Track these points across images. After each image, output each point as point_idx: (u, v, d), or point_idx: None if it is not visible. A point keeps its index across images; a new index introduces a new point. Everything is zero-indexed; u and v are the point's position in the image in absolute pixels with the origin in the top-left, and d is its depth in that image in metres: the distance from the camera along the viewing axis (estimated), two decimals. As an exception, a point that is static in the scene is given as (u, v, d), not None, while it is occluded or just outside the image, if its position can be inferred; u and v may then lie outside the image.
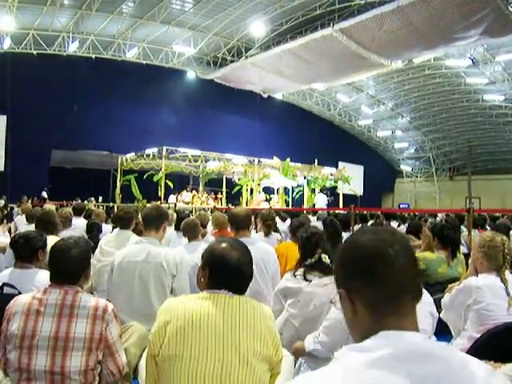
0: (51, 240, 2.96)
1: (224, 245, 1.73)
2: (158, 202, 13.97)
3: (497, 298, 2.37)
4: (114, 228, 5.49)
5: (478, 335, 2.29)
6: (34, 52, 16.80)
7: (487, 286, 2.41)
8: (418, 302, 0.91)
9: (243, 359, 1.53)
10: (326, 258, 2.65)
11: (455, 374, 0.79)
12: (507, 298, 2.36)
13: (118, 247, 3.69)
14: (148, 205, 11.94)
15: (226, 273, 1.67)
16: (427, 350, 0.81)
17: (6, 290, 2.39)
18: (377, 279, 0.87)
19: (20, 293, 2.24)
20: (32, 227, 4.07)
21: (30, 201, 13.20)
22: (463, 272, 3.59)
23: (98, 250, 3.83)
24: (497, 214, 9.44)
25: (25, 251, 2.63)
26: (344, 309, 0.94)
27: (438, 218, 9.50)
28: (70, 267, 2.02)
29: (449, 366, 0.80)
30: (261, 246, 3.35)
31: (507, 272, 2.50)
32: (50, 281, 2.05)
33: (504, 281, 2.42)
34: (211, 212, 9.95)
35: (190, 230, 4.17)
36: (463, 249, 4.88)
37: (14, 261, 2.69)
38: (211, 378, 1.49)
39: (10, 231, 5.64)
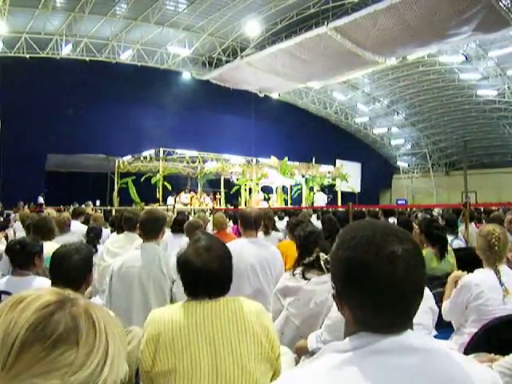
0: (48, 246, 2.96)
1: (189, 251, 1.67)
2: (157, 204, 13.97)
3: (493, 291, 2.40)
4: (112, 232, 5.50)
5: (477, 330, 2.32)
6: (27, 56, 16.68)
7: (484, 281, 2.44)
8: (414, 314, 0.88)
9: (238, 363, 1.50)
10: (323, 257, 2.66)
11: (435, 366, 0.80)
12: (502, 289, 2.39)
13: (123, 247, 3.70)
14: (146, 207, 11.93)
15: (198, 281, 1.62)
16: (405, 343, 0.82)
17: (4, 298, 2.39)
18: (364, 290, 0.84)
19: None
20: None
21: (26, 206, 13.14)
22: (454, 263, 3.62)
23: (103, 250, 3.83)
24: (493, 208, 9.50)
25: (21, 257, 2.62)
26: (337, 306, 0.94)
27: (434, 213, 9.55)
28: (71, 274, 2.02)
29: (428, 358, 0.81)
30: (267, 247, 3.38)
31: (504, 265, 2.53)
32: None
33: (497, 271, 2.45)
34: (210, 213, 9.97)
35: (193, 230, 4.18)
36: (460, 243, 4.91)
37: (11, 268, 2.68)
38: None
39: (6, 238, 5.61)
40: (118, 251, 3.66)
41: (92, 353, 0.59)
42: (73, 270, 2.02)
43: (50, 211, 8.27)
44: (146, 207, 12.32)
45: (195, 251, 1.66)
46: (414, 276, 0.84)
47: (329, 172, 19.29)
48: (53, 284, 2.06)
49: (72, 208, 10.02)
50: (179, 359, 1.49)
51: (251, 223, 3.33)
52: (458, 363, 0.84)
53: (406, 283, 0.83)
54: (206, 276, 1.61)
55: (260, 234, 4.96)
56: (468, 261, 2.69)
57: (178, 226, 5.29)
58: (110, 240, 3.97)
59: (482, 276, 2.48)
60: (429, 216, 6.81)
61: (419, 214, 6.96)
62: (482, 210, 8.98)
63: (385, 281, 0.82)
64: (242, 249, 3.19)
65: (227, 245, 3.44)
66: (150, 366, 1.52)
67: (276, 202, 16.43)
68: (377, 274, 0.82)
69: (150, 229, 2.94)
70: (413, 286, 0.84)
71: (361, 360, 0.80)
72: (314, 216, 8.59)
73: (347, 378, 0.78)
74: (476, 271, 2.54)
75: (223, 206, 15.87)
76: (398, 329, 0.84)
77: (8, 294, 2.39)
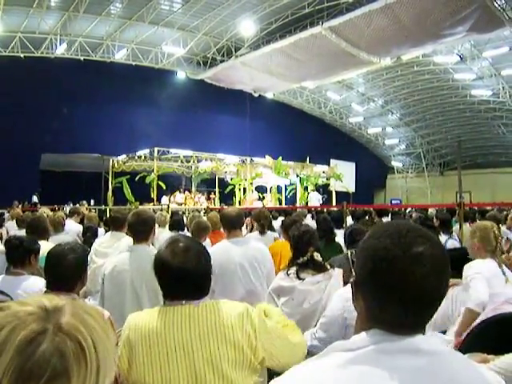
0: (43, 245, 2.95)
1: (166, 252, 1.61)
2: (151, 204, 13.94)
3: (497, 278, 2.47)
4: (106, 231, 5.49)
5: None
6: (22, 55, 16.59)
7: (488, 270, 2.51)
8: (429, 319, 0.87)
9: (218, 373, 1.45)
10: (318, 256, 2.67)
11: (443, 368, 0.80)
12: (504, 278, 2.47)
13: (111, 247, 3.69)
14: (141, 207, 11.90)
15: (175, 282, 1.57)
16: (413, 345, 0.82)
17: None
18: (383, 282, 0.84)
19: (12, 300, 2.22)
20: (23, 232, 4.05)
21: (20, 205, 13.07)
22: None
23: (92, 252, 3.81)
24: (488, 208, 9.56)
25: (18, 253, 2.62)
26: (353, 297, 0.94)
27: (431, 214, 9.59)
28: (67, 273, 2.01)
29: (437, 360, 0.81)
30: (254, 246, 3.33)
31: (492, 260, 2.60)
32: (47, 287, 2.03)
33: (499, 261, 2.54)
34: (204, 213, 9.96)
35: (200, 231, 4.16)
36: (455, 242, 4.93)
37: (6, 267, 2.67)
38: None
39: (0, 237, 5.58)
40: (107, 251, 3.65)
41: (86, 380, 0.57)
42: (68, 270, 2.01)
43: (45, 210, 8.23)
44: (140, 206, 12.29)
45: (172, 251, 1.59)
46: (436, 281, 0.83)
47: (323, 172, 19.33)
48: (48, 284, 2.06)
49: (67, 207, 10.00)
50: (156, 368, 1.45)
51: (233, 223, 3.30)
52: (468, 366, 0.85)
53: (427, 286, 0.83)
54: (184, 276, 1.55)
55: (256, 233, 4.97)
56: (462, 261, 2.71)
57: (177, 225, 5.31)
58: (98, 240, 3.95)
59: (485, 265, 2.55)
60: (423, 216, 6.85)
61: (413, 214, 6.99)
62: (477, 209, 9.03)
63: (406, 278, 0.82)
64: (229, 250, 3.15)
65: (213, 248, 3.42)
66: (127, 371, 1.48)
67: (270, 201, 16.43)
68: (400, 269, 0.82)
69: (140, 231, 2.89)
70: (433, 290, 0.84)
71: (366, 360, 0.80)
72: (309, 216, 8.61)
73: (350, 377, 0.78)
74: (476, 261, 2.59)
75: (217, 206, 15.85)
76: (411, 330, 0.84)
77: (3, 292, 2.37)
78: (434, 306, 0.87)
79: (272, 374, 2.40)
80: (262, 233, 4.92)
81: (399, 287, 0.82)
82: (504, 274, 2.49)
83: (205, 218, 5.32)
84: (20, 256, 2.62)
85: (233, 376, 1.46)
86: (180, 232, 5.11)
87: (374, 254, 0.86)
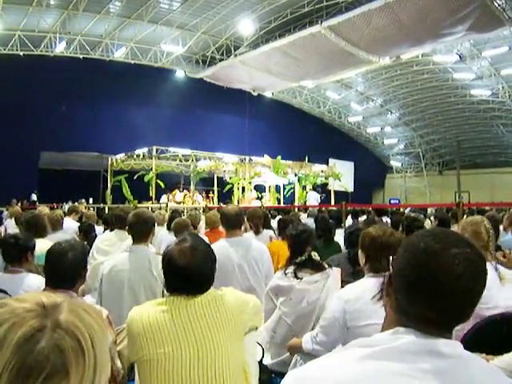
0: (40, 243, 2.95)
1: (174, 249, 1.73)
2: (150, 203, 13.94)
3: (493, 281, 2.36)
4: (104, 230, 5.48)
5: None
6: (21, 53, 16.56)
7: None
8: (458, 322, 0.88)
9: (219, 347, 1.61)
10: (315, 256, 2.67)
11: (462, 372, 0.81)
12: (496, 273, 2.37)
13: (113, 245, 3.69)
14: (139, 205, 11.89)
15: (179, 279, 1.69)
16: (434, 347, 0.83)
17: (-2, 294, 2.37)
18: (417, 277, 0.86)
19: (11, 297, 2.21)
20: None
21: (19, 204, 13.06)
22: None
23: (93, 249, 3.81)
24: (487, 208, 9.57)
25: (14, 251, 2.62)
26: (385, 294, 0.96)
27: (428, 213, 9.61)
28: (67, 271, 2.01)
29: (456, 364, 0.81)
30: (253, 245, 3.33)
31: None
32: (46, 285, 2.03)
33: (492, 256, 2.45)
34: (203, 211, 9.97)
35: (181, 229, 4.18)
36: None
37: (4, 266, 2.67)
38: (198, 378, 1.55)
39: (-1, 235, 5.58)
40: (108, 249, 3.65)
41: (84, 376, 0.58)
42: (69, 268, 2.01)
43: (41, 209, 8.22)
44: (139, 205, 12.29)
45: (180, 250, 1.71)
46: (468, 285, 0.84)
47: (322, 171, 19.31)
48: (48, 282, 2.05)
49: (66, 206, 9.99)
50: (160, 354, 1.56)
51: (233, 222, 3.29)
52: (489, 371, 0.86)
53: (459, 287, 0.84)
54: (188, 275, 1.67)
55: (251, 233, 4.97)
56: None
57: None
58: (101, 238, 3.95)
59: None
60: (416, 215, 6.85)
61: (411, 214, 6.99)
62: (475, 209, 9.04)
63: (440, 275, 0.84)
64: (228, 249, 3.15)
65: (212, 247, 3.45)
66: (140, 355, 1.60)
67: (269, 200, 16.42)
68: (435, 265, 0.85)
69: (140, 231, 2.89)
70: (464, 293, 0.85)
71: (384, 357, 0.81)
72: (304, 215, 8.61)
73: (365, 373, 0.79)
74: None
75: (216, 205, 15.84)
76: (436, 330, 0.85)
77: (2, 291, 2.37)
78: (462, 308, 0.87)
79: (272, 371, 2.41)
80: (257, 232, 4.92)
81: (431, 282, 0.84)
82: (497, 270, 2.39)
83: (202, 217, 5.33)
84: (17, 254, 2.62)
85: (227, 342, 1.64)
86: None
87: (414, 248, 0.89)
